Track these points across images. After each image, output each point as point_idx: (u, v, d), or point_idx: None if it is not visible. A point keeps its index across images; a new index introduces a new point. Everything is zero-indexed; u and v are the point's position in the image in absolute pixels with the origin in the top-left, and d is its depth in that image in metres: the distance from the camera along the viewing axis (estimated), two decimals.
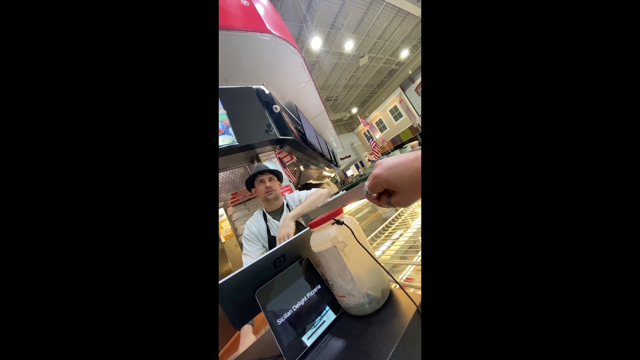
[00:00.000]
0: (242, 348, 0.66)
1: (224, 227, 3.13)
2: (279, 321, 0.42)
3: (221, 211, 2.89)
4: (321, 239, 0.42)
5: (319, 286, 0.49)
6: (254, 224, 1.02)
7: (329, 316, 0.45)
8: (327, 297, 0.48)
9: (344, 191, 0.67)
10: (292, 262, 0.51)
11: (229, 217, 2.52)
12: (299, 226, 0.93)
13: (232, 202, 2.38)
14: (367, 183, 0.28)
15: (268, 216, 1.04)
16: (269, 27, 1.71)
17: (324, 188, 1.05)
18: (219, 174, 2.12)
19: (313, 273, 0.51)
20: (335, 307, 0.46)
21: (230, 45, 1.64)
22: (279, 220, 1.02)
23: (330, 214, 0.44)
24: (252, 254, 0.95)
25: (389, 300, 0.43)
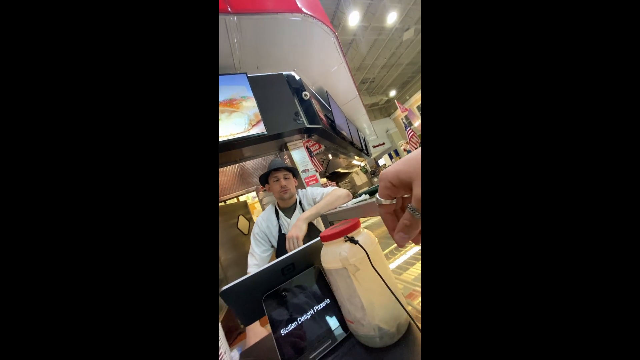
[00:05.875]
0: (249, 340, 0.69)
1: (257, 208, 3.44)
2: (283, 332, 0.41)
3: (254, 194, 3.13)
4: (330, 257, 0.38)
5: (328, 300, 0.46)
6: (264, 221, 1.00)
7: (337, 333, 0.42)
8: (338, 312, 0.44)
9: (366, 196, 0.60)
10: (302, 270, 0.49)
11: (260, 201, 2.70)
12: (311, 227, 0.89)
13: (262, 188, 2.52)
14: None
15: (280, 213, 1.02)
16: (299, 6, 1.59)
17: (342, 188, 0.98)
18: (251, 161, 2.24)
19: (323, 285, 0.48)
20: (345, 325, 0.43)
21: (261, 30, 1.60)
22: (290, 218, 1.00)
23: (345, 228, 0.39)
24: (256, 255, 0.95)
25: (406, 336, 0.37)
